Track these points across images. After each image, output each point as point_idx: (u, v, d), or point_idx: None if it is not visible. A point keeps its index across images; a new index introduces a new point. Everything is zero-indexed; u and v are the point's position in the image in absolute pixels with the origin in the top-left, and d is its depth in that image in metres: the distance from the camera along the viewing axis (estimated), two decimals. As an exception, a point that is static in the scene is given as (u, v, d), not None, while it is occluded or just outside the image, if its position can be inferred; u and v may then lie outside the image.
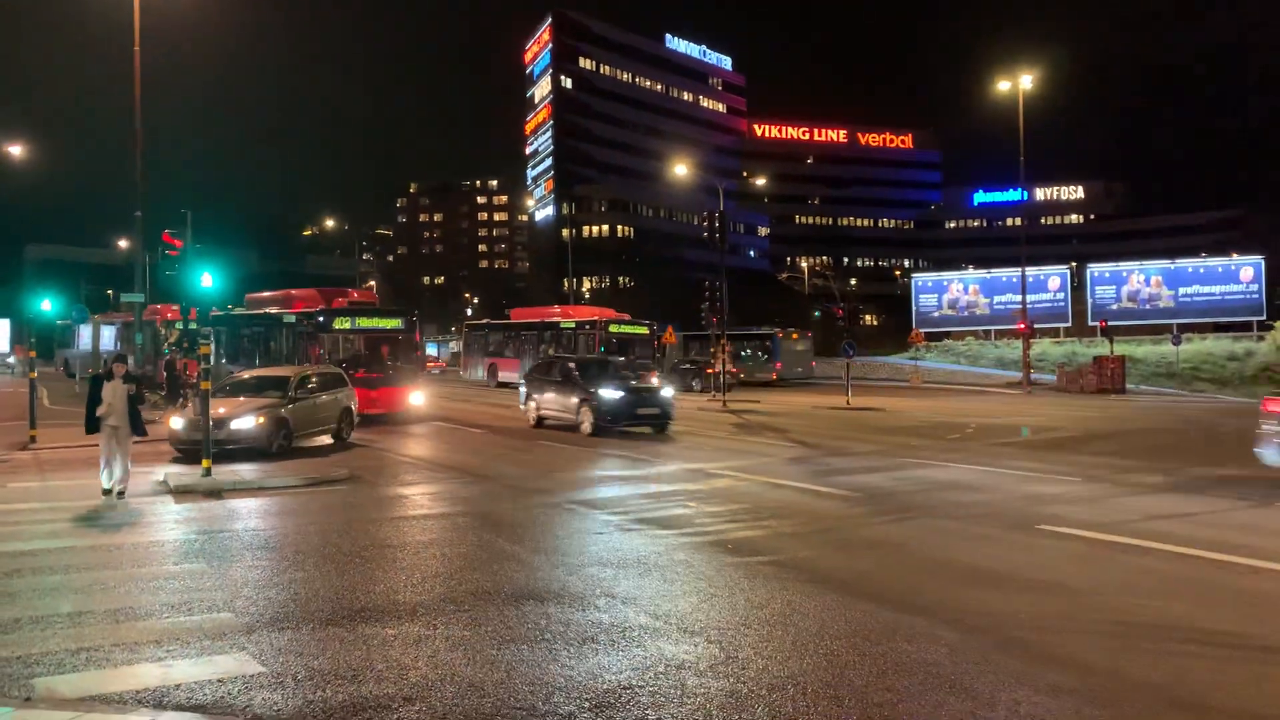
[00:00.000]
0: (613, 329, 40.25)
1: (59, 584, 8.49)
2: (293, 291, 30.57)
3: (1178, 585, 8.48)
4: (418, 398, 26.40)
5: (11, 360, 60.70)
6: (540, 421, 23.84)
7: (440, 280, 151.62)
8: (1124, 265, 64.48)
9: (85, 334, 50.68)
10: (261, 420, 17.65)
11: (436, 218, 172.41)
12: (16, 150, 47.48)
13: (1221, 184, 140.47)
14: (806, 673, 6.11)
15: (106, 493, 13.21)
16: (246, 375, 21.11)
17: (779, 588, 8.28)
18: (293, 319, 27.44)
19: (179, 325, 26.90)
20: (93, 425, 13.55)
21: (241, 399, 18.47)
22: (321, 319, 25.69)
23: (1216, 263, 62.78)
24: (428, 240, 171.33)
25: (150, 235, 29.30)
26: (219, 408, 17.55)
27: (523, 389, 24.93)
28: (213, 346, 24.48)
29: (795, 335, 50.76)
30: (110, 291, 69.70)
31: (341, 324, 26.02)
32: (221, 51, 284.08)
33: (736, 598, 7.96)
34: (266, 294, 32.33)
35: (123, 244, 71.57)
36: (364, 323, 26.67)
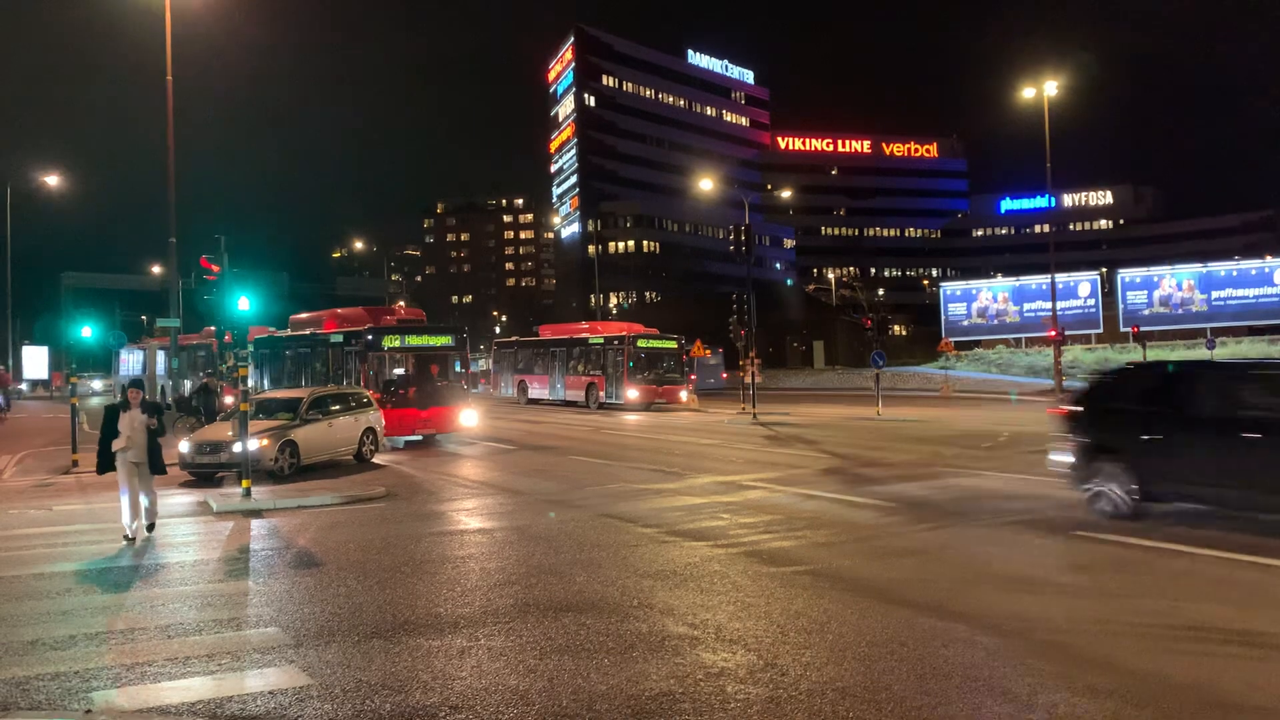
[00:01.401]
0: (641, 343, 40.39)
1: (110, 602, 8.70)
2: (339, 311, 30.17)
3: (1217, 588, 8.47)
4: (469, 417, 25.69)
5: (98, 384, 60.79)
6: (1146, 504, 11.66)
7: (468, 299, 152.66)
8: (1155, 270, 63.93)
9: (128, 359, 51.20)
10: (265, 443, 17.58)
11: (463, 237, 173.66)
12: (53, 180, 48.47)
13: (1252, 185, 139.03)
14: (845, 678, 6.18)
15: (129, 539, 11.62)
16: (259, 398, 21.14)
17: (815, 596, 8.35)
18: (340, 338, 27.12)
19: (250, 346, 26.45)
20: (106, 464, 11.85)
21: (251, 421, 18.51)
22: (370, 338, 25.20)
23: (1250, 265, 62.07)
24: (455, 260, 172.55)
25: (184, 260, 29.72)
26: (226, 430, 17.79)
27: (1062, 456, 12.72)
28: (251, 369, 24.61)
29: (707, 351, 52.58)
30: (144, 317, 70.72)
31: (391, 342, 25.46)
32: (248, 77, 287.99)
33: (773, 607, 8.03)
34: (310, 315, 32.12)
35: (156, 270, 72.65)
36: (413, 341, 26.13)
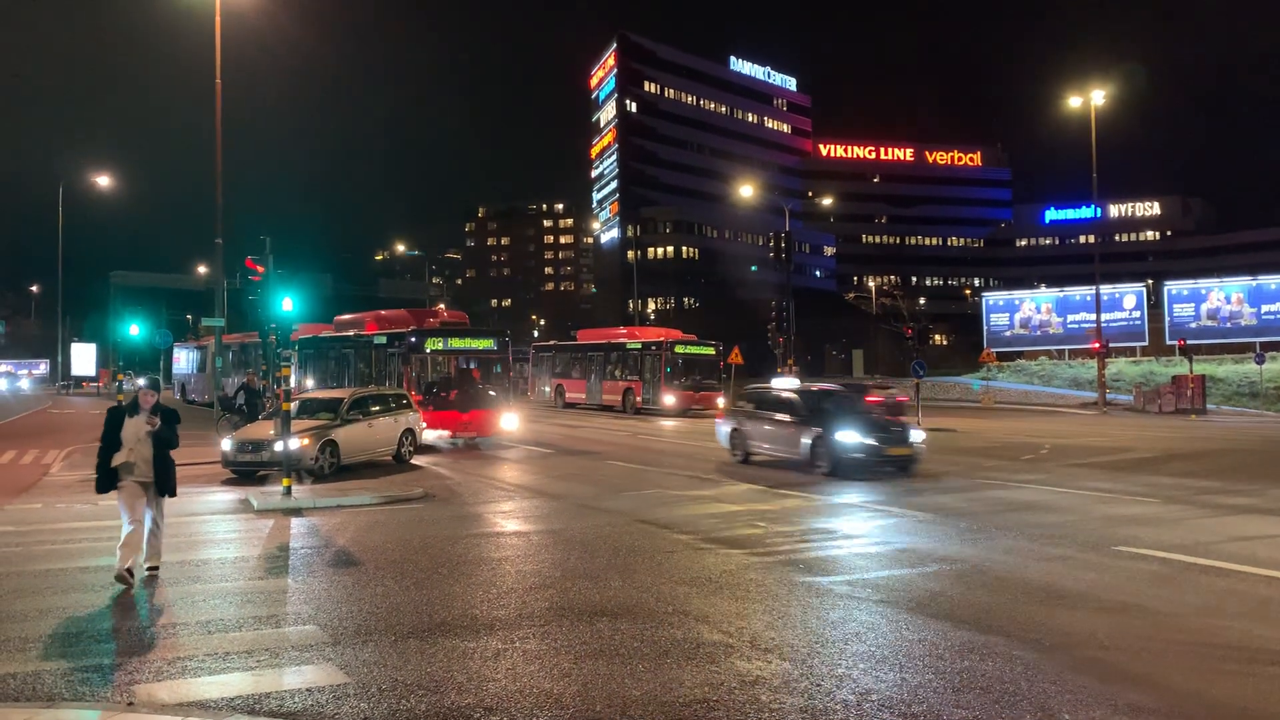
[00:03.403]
0: (678, 350, 40.34)
1: (152, 596, 8.83)
2: (382, 313, 30.35)
3: (1262, 607, 8.31)
4: (511, 420, 25.60)
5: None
6: None
7: (508, 303, 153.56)
8: (1203, 282, 62.81)
9: (182, 357, 51.59)
10: (306, 442, 17.67)
11: (504, 241, 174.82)
12: (104, 181, 49.40)
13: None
14: (881, 689, 6.13)
15: (127, 579, 9.05)
16: (301, 397, 21.32)
17: (852, 606, 8.29)
18: (384, 340, 27.21)
19: (295, 346, 26.14)
20: (106, 481, 9.31)
21: (292, 421, 18.60)
22: (413, 340, 25.29)
23: (1302, 279, 60.80)
24: (495, 263, 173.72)
25: (229, 261, 30.17)
26: (268, 429, 17.99)
27: None
28: (295, 368, 24.79)
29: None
30: (190, 316, 71.84)
31: (434, 344, 25.55)
32: (294, 82, 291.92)
33: (809, 616, 7.99)
34: (354, 316, 32.37)
35: (202, 270, 73.73)
36: (456, 343, 26.20)
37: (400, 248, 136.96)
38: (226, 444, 18.27)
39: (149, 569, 9.55)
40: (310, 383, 31.65)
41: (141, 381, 10.05)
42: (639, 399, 40.89)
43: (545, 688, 6.19)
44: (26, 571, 9.97)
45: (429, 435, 23.21)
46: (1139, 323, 61.75)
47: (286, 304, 16.44)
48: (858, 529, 12.48)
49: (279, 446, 16.05)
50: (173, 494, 9.72)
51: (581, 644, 7.18)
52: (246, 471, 17.99)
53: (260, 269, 16.46)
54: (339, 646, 7.14)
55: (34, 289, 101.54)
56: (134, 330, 24.56)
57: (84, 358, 74.96)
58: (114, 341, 29.49)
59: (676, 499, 15.43)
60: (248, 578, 9.75)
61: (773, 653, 6.95)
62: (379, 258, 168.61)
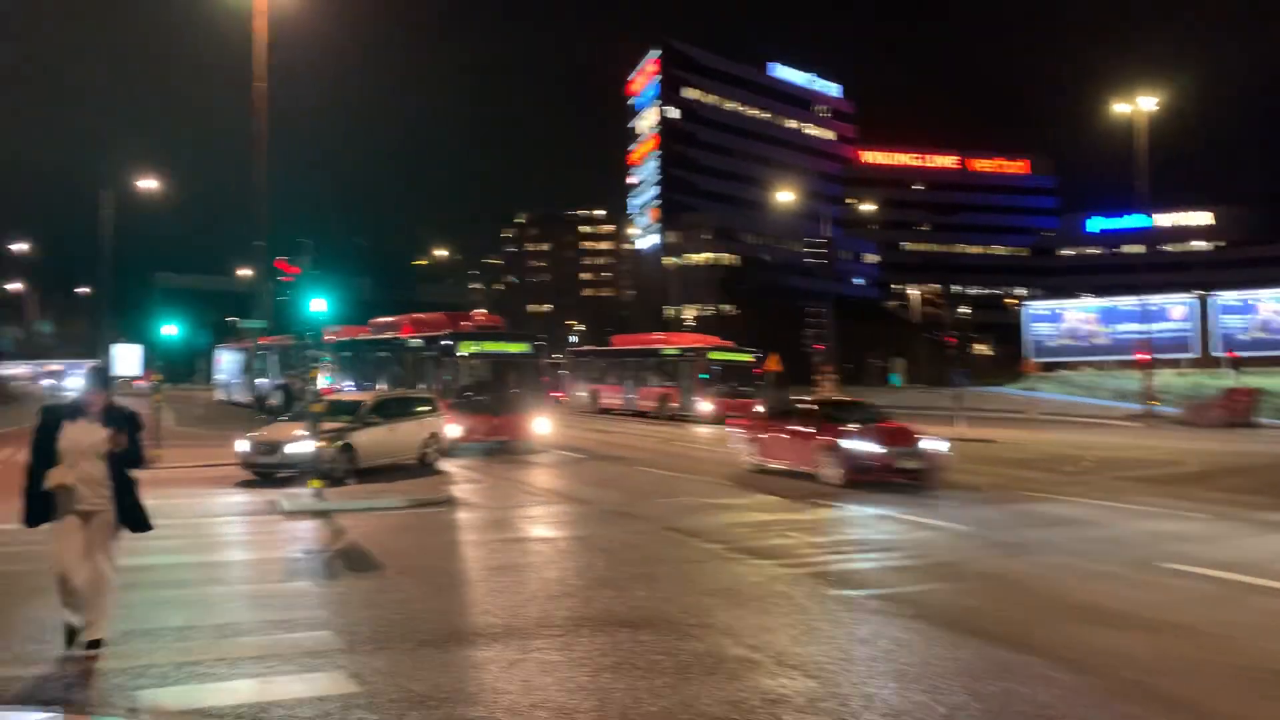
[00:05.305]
0: (713, 356, 39.98)
1: (171, 598, 8.73)
2: (418, 315, 30.33)
3: (1318, 631, 7.90)
4: (543, 425, 25.48)
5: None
6: None
7: (546, 308, 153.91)
8: (1254, 293, 61.43)
9: (226, 359, 51.58)
10: (321, 444, 17.50)
11: (543, 247, 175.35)
12: (152, 184, 49.95)
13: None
14: (912, 711, 5.84)
15: (75, 641, 6.73)
16: (326, 399, 21.19)
17: (883, 622, 7.99)
18: (419, 342, 27.28)
19: (327, 348, 25.57)
20: (37, 510, 6.79)
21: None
22: (447, 343, 25.21)
23: (1358, 289, 59.28)
24: (534, 269, 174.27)
25: (271, 264, 30.23)
26: (286, 431, 17.86)
27: None
28: (332, 370, 24.70)
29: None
30: (231, 319, 72.66)
31: (468, 348, 25.40)
32: (335, 88, 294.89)
33: (838, 631, 7.71)
34: (390, 318, 32.41)
35: (246, 272, 74.52)
36: (490, 347, 26.08)
37: (441, 253, 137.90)
38: (244, 445, 18.17)
39: (91, 643, 6.72)
40: (348, 385, 31.72)
41: (84, 377, 7.37)
42: (674, 405, 40.58)
43: (559, 701, 5.97)
44: (33, 571, 9.89)
45: (455, 437, 23.05)
46: (1187, 334, 60.56)
47: (319, 305, 16.38)
48: (891, 541, 12.14)
49: (290, 448, 16.00)
50: (143, 528, 7.18)
51: (601, 656, 6.95)
52: (266, 472, 17.88)
53: (293, 270, 16.41)
54: (352, 654, 6.96)
55: (83, 291, 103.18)
56: (171, 330, 24.71)
57: (128, 358, 75.90)
58: (152, 342, 29.63)
59: (707, 507, 15.15)
60: (267, 580, 9.64)
61: (798, 669, 6.68)
62: (423, 263, 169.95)
